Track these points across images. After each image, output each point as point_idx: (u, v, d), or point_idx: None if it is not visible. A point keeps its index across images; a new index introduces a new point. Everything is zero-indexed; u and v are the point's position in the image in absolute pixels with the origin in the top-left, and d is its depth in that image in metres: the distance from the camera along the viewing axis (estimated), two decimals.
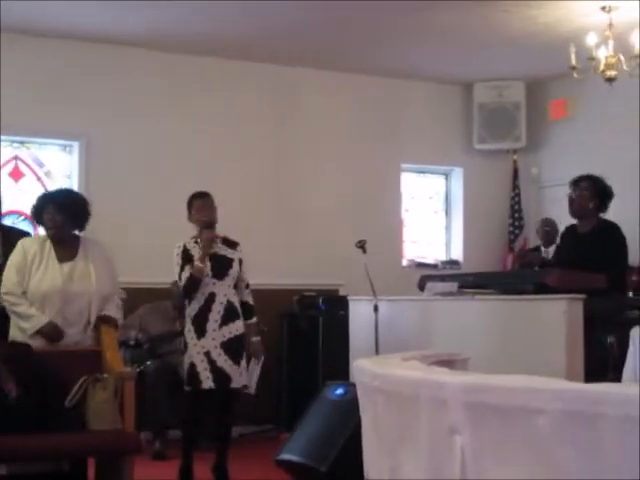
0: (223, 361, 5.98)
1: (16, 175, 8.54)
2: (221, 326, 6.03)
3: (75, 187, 8.54)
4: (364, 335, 6.86)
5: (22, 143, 8.60)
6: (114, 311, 5.94)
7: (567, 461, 2.53)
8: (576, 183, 6.72)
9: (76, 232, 5.90)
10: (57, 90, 8.40)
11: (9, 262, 5.77)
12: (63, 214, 5.76)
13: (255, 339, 6.29)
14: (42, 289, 5.67)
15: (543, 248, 8.96)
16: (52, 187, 8.50)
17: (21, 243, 5.92)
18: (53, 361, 5.39)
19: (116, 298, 5.99)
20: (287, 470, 5.98)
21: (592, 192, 6.61)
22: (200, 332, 6.03)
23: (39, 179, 8.61)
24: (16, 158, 8.57)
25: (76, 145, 8.69)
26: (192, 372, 5.99)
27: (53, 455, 5.40)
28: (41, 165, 8.68)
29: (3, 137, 8.40)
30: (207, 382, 5.96)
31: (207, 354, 5.98)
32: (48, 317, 5.60)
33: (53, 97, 8.39)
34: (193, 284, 6.04)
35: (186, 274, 6.03)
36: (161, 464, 7.01)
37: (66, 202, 5.86)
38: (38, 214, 5.88)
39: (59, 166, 8.74)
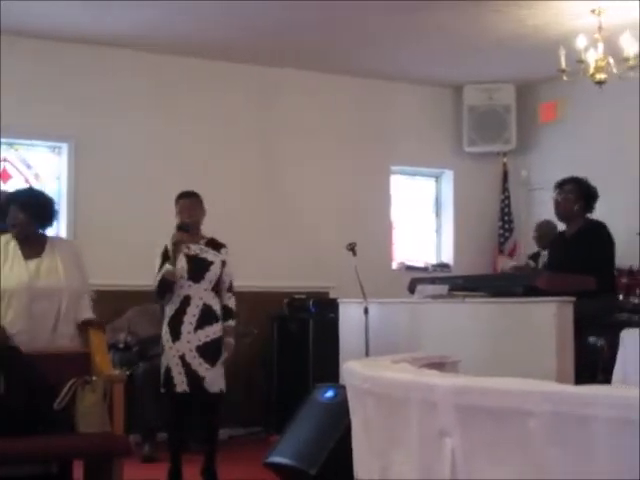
0: (198, 364, 5.97)
1: (4, 177, 8.52)
2: (196, 329, 6.01)
3: (64, 189, 8.56)
4: (354, 338, 6.87)
5: (10, 145, 8.58)
6: (88, 312, 5.93)
7: (557, 462, 2.54)
8: (560, 186, 6.75)
9: (44, 231, 5.90)
10: (45, 91, 8.39)
11: None
12: (26, 213, 5.76)
13: (228, 340, 6.18)
14: (8, 286, 5.66)
15: (543, 252, 8.94)
16: (41, 188, 8.52)
17: None
18: (42, 363, 5.39)
19: (86, 297, 5.98)
20: (276, 473, 5.97)
21: (577, 194, 6.63)
22: (175, 335, 6.02)
23: (27, 181, 8.59)
24: (4, 160, 8.56)
25: (65, 147, 8.68)
26: (167, 376, 6.01)
27: (41, 457, 5.40)
28: (29, 167, 8.67)
29: None
30: (181, 386, 5.97)
31: (182, 357, 5.98)
32: (15, 314, 5.60)
33: (41, 99, 8.37)
34: (163, 286, 6.04)
35: (159, 277, 6.04)
36: (151, 467, 7.00)
37: (29, 201, 5.84)
38: (2, 213, 5.89)
39: (48, 168, 8.72)
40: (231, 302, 6.23)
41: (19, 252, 5.78)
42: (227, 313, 6.19)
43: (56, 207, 6.03)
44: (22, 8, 7.54)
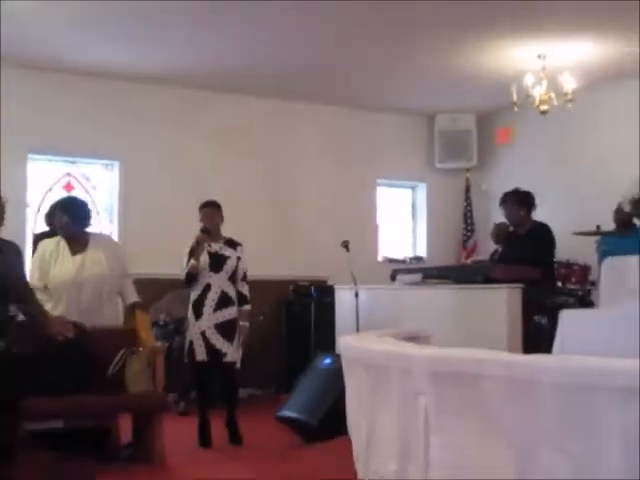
0: (215, 339, 5.96)
1: (68, 188, 8.52)
2: (215, 311, 5.99)
3: (115, 198, 8.56)
4: (347, 316, 6.88)
5: (73, 162, 8.59)
6: (135, 295, 5.95)
7: (508, 416, 2.55)
8: (503, 202, 6.71)
9: (85, 229, 5.92)
10: (100, 120, 8.38)
11: (33, 261, 5.81)
12: (67, 215, 5.80)
13: (243, 323, 6.13)
14: (58, 280, 5.68)
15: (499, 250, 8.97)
16: (97, 198, 8.54)
17: (41, 245, 5.94)
18: (99, 337, 5.41)
19: (130, 284, 6.00)
20: (286, 424, 5.99)
21: (518, 203, 6.62)
22: (197, 315, 6.01)
23: (87, 191, 8.60)
24: (68, 175, 8.57)
25: (116, 164, 8.67)
26: (190, 348, 6.01)
27: (99, 413, 5.42)
28: (88, 180, 8.67)
29: (59, 158, 8.48)
30: (201, 355, 5.96)
31: (202, 333, 5.96)
32: (65, 302, 5.62)
33: (97, 126, 8.36)
34: (190, 276, 6.04)
35: (186, 270, 6.04)
36: (185, 419, 7.00)
37: (68, 206, 5.91)
38: (50, 219, 5.92)
39: (103, 181, 8.72)
40: (245, 290, 6.20)
41: (67, 249, 5.80)
42: (242, 299, 6.17)
43: (90, 208, 6.07)
44: (81, 52, 7.56)
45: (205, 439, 6.00)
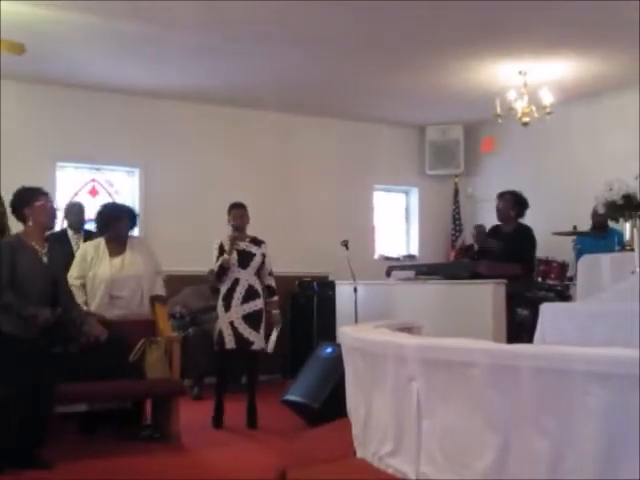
0: (243, 329, 5.93)
1: (93, 193, 8.52)
2: (242, 303, 5.97)
3: (137, 201, 8.55)
4: (347, 309, 6.88)
5: (98, 169, 8.58)
6: (161, 290, 5.96)
7: (493, 399, 2.54)
8: (501, 196, 6.74)
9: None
10: (122, 131, 8.39)
11: (74, 261, 5.80)
12: (131, 222, 5.92)
13: (275, 312, 6.18)
14: (96, 279, 5.69)
15: (477, 246, 8.98)
16: (120, 202, 8.52)
17: (82, 247, 5.95)
18: (121, 328, 5.40)
19: (159, 278, 6.00)
20: (290, 407, 5.98)
21: (513, 202, 6.62)
22: (227, 307, 5.99)
23: (110, 195, 8.59)
24: (93, 180, 8.56)
25: (137, 171, 8.66)
26: (220, 336, 5.97)
27: (120, 396, 5.42)
28: (111, 185, 8.67)
29: (84, 165, 8.46)
30: (230, 344, 5.93)
31: (231, 323, 5.94)
32: (100, 299, 5.61)
33: (120, 136, 8.37)
34: (222, 271, 6.02)
35: (218, 263, 6.03)
36: (199, 403, 7.00)
37: (133, 215, 6.04)
38: (106, 223, 5.87)
39: (125, 186, 8.72)
40: (273, 283, 6.19)
41: (107, 252, 5.79)
42: (271, 291, 6.17)
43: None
44: (105, 70, 7.57)
45: (218, 421, 5.98)
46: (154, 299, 5.90)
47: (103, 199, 8.43)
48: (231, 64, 7.40)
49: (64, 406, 5.07)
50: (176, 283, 7.64)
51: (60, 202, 8.01)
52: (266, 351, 6.11)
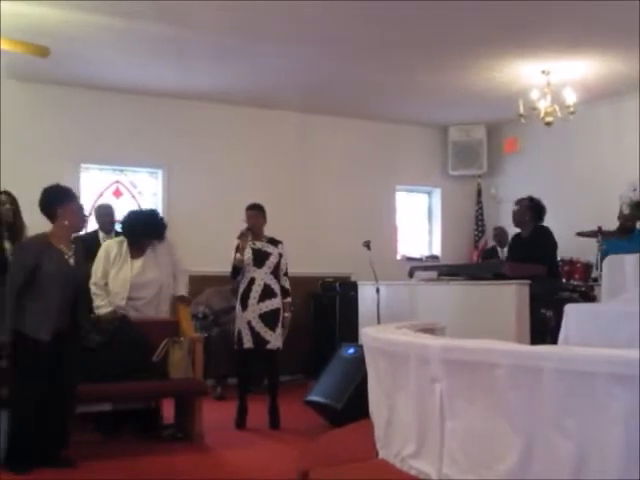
0: (260, 328, 5.94)
1: (116, 194, 8.58)
2: (259, 302, 5.97)
3: (160, 202, 8.60)
4: (369, 310, 6.86)
5: (121, 171, 8.65)
6: (183, 290, 5.98)
7: (516, 401, 2.53)
8: (519, 201, 6.74)
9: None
10: (146, 133, 8.45)
11: (97, 258, 5.81)
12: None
13: (286, 314, 6.15)
14: (118, 280, 5.73)
15: (498, 248, 8.98)
16: (143, 203, 8.57)
17: (105, 245, 5.95)
18: (145, 328, 5.43)
19: (183, 278, 6.02)
20: (313, 407, 5.98)
21: (528, 207, 6.61)
22: (244, 306, 5.99)
23: (134, 197, 8.65)
24: (117, 182, 8.63)
25: (160, 172, 8.72)
26: (239, 336, 5.99)
27: (144, 396, 5.45)
28: (135, 186, 8.72)
29: (109, 166, 8.53)
30: (248, 343, 5.94)
31: (249, 323, 5.95)
32: (121, 300, 5.63)
33: (143, 138, 8.44)
34: (235, 269, 6.04)
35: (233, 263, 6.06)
36: (221, 404, 7.03)
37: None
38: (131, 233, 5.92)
39: (148, 187, 8.77)
40: (287, 284, 6.20)
41: (129, 253, 5.83)
42: (285, 292, 6.18)
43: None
44: (128, 72, 7.63)
45: (241, 421, 6.00)
46: (177, 299, 5.93)
47: (127, 200, 8.51)
48: (253, 65, 7.42)
49: (87, 406, 5.10)
50: (198, 284, 7.67)
51: (84, 203, 8.09)
52: (281, 350, 6.10)
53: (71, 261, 4.66)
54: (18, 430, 4.49)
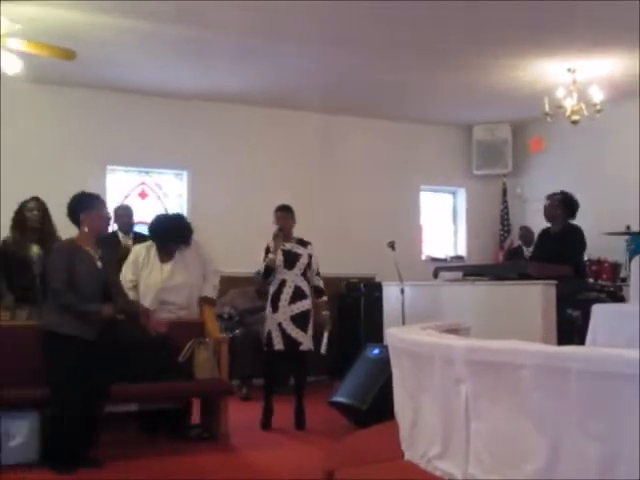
0: (291, 329, 5.94)
1: (142, 195, 8.65)
2: (290, 304, 5.98)
3: (185, 204, 8.65)
4: (394, 310, 6.84)
5: (147, 172, 8.71)
6: (211, 292, 6.00)
7: (542, 402, 2.52)
8: (551, 196, 6.67)
9: None
10: (172, 135, 8.51)
11: (126, 262, 5.86)
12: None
13: (324, 313, 6.19)
14: (147, 283, 5.76)
15: (524, 247, 8.92)
16: (169, 204, 8.62)
17: (134, 249, 6.00)
18: (171, 329, 5.46)
19: (213, 279, 6.03)
20: (338, 408, 5.98)
21: (560, 202, 6.54)
22: (274, 308, 6.00)
23: (159, 198, 8.71)
24: (143, 183, 8.69)
25: (185, 173, 8.78)
26: (269, 337, 5.99)
27: (170, 396, 5.48)
28: (160, 188, 8.78)
29: (135, 168, 8.60)
30: (278, 345, 5.94)
31: (279, 324, 5.95)
32: (149, 303, 5.65)
33: (169, 140, 8.49)
34: (267, 270, 6.04)
35: (264, 263, 6.05)
36: (247, 404, 7.05)
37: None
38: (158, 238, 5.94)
39: (173, 189, 8.83)
40: (321, 283, 6.21)
41: (157, 257, 5.86)
42: (320, 292, 6.19)
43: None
44: (154, 75, 7.68)
45: (267, 422, 6.01)
46: (202, 300, 5.95)
47: (152, 202, 8.57)
48: (274, 65, 7.45)
49: (115, 406, 5.15)
50: (223, 284, 7.68)
51: (110, 205, 8.16)
52: (319, 352, 6.09)
53: (98, 263, 4.79)
54: (67, 429, 4.55)
